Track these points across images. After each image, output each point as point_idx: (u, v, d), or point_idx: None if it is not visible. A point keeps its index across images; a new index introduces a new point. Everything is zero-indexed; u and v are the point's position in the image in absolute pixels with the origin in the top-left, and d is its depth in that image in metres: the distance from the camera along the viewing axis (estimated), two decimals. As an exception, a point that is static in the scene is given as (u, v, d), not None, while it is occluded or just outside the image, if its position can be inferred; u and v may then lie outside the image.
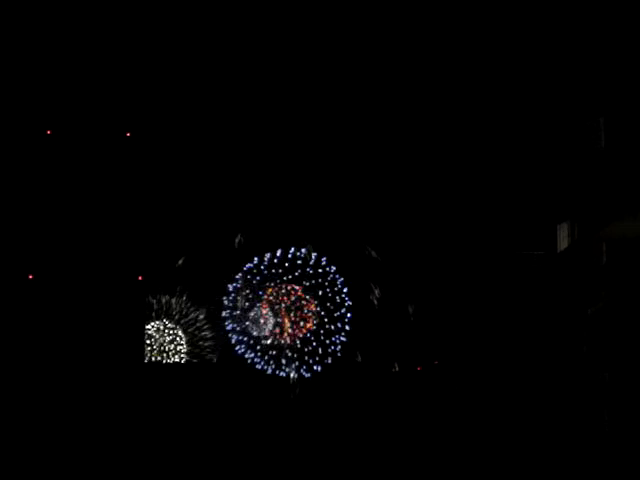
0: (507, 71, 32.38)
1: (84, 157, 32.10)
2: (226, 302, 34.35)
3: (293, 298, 34.04)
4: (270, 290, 33.90)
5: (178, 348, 35.04)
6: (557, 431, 29.80)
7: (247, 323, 34.47)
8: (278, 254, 33.87)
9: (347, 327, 34.17)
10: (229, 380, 32.83)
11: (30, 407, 30.70)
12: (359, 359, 34.29)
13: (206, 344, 35.49)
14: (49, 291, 31.53)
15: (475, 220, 33.55)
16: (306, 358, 33.94)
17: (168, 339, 34.91)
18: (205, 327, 35.62)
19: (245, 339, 33.93)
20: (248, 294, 33.85)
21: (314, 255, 34.04)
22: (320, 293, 34.26)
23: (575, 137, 29.67)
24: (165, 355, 34.78)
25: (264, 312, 33.83)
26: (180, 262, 33.78)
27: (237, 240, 33.41)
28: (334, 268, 34.42)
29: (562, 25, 30.06)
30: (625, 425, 27.12)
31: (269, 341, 33.79)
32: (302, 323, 34.04)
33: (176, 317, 35.43)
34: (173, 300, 35.37)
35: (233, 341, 33.97)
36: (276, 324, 33.83)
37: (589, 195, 28.58)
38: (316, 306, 34.01)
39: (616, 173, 26.64)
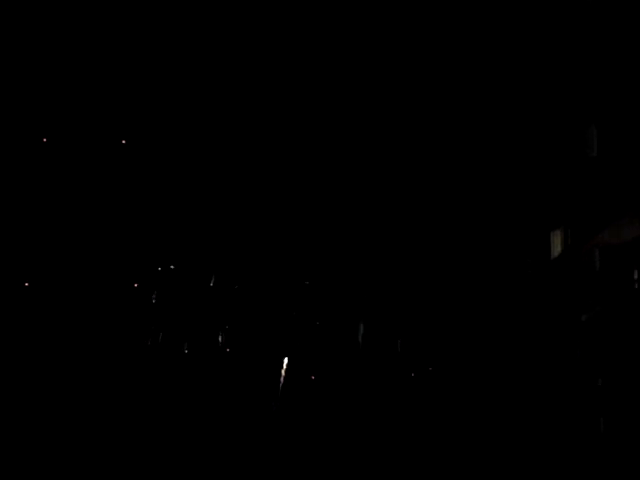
0: (498, 80, 32.53)
1: (79, 164, 32.27)
2: None
3: None
4: None
5: None
6: (551, 436, 29.93)
7: None
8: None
9: None
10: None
11: (28, 413, 30.80)
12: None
13: None
14: (45, 299, 31.69)
15: (468, 228, 33.67)
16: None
17: None
18: None
19: None
20: None
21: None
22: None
23: (568, 145, 29.83)
24: None
25: None
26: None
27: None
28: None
29: (553, 32, 30.22)
30: (620, 430, 27.25)
31: None
32: None
33: None
34: None
35: None
36: None
37: (582, 202, 28.72)
38: None
39: (609, 180, 26.80)
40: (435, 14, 32.23)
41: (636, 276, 27.17)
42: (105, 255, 32.00)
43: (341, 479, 30.72)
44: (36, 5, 31.90)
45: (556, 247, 31.10)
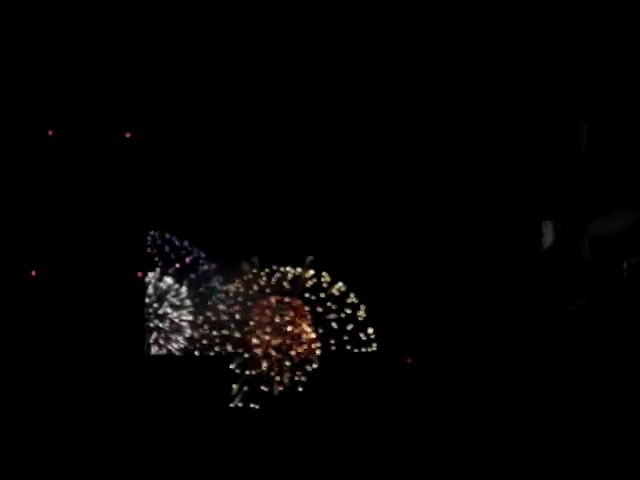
0: (491, 73, 32.62)
1: (85, 157, 32.35)
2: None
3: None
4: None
5: None
6: (542, 423, 30.09)
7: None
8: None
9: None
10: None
11: (30, 403, 30.77)
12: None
13: None
14: (51, 287, 31.81)
15: (460, 218, 33.77)
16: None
17: None
18: None
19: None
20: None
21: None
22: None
23: (558, 138, 30.06)
24: None
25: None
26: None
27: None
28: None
29: (543, 29, 30.38)
30: (609, 416, 27.47)
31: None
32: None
33: None
34: None
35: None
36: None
37: (573, 194, 29.00)
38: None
39: (598, 173, 27.08)
40: (435, 12, 32.28)
41: (625, 265, 27.44)
42: (101, 249, 32.03)
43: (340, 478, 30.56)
44: (38, 5, 31.96)
45: (547, 237, 31.31)
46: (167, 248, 34.54)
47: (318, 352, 32.03)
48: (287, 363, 31.99)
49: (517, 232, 32.47)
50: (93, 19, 32.29)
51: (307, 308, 33.36)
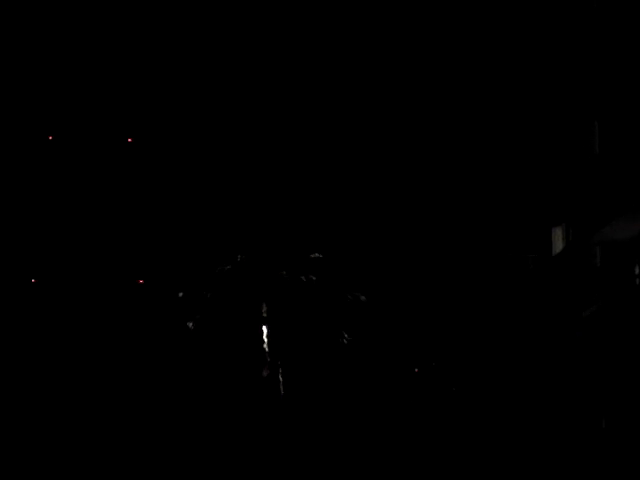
0: (500, 74, 32.60)
1: (86, 162, 32.37)
2: None
3: None
4: None
5: None
6: (552, 432, 29.99)
7: None
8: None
9: None
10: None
11: (30, 408, 30.75)
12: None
13: None
14: (51, 294, 31.81)
15: (469, 223, 33.70)
16: None
17: None
18: None
19: None
20: None
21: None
22: None
23: (569, 139, 29.94)
24: None
25: None
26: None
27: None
28: None
29: (555, 27, 30.31)
30: (621, 426, 27.34)
31: None
32: None
33: None
34: None
35: None
36: None
37: (583, 199, 28.83)
38: None
39: (610, 177, 26.92)
40: (444, 8, 32.32)
41: (637, 272, 27.27)
42: (105, 253, 32.08)
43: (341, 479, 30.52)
44: (39, 5, 32.03)
45: (557, 243, 31.19)
46: None
47: None
48: None
49: (526, 238, 32.39)
50: (93, 21, 32.38)
51: None
